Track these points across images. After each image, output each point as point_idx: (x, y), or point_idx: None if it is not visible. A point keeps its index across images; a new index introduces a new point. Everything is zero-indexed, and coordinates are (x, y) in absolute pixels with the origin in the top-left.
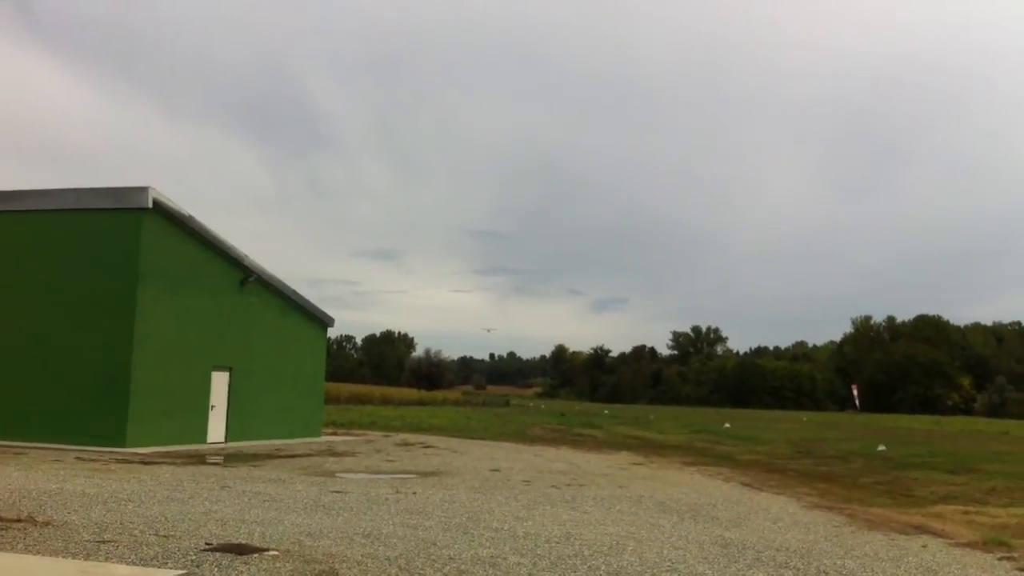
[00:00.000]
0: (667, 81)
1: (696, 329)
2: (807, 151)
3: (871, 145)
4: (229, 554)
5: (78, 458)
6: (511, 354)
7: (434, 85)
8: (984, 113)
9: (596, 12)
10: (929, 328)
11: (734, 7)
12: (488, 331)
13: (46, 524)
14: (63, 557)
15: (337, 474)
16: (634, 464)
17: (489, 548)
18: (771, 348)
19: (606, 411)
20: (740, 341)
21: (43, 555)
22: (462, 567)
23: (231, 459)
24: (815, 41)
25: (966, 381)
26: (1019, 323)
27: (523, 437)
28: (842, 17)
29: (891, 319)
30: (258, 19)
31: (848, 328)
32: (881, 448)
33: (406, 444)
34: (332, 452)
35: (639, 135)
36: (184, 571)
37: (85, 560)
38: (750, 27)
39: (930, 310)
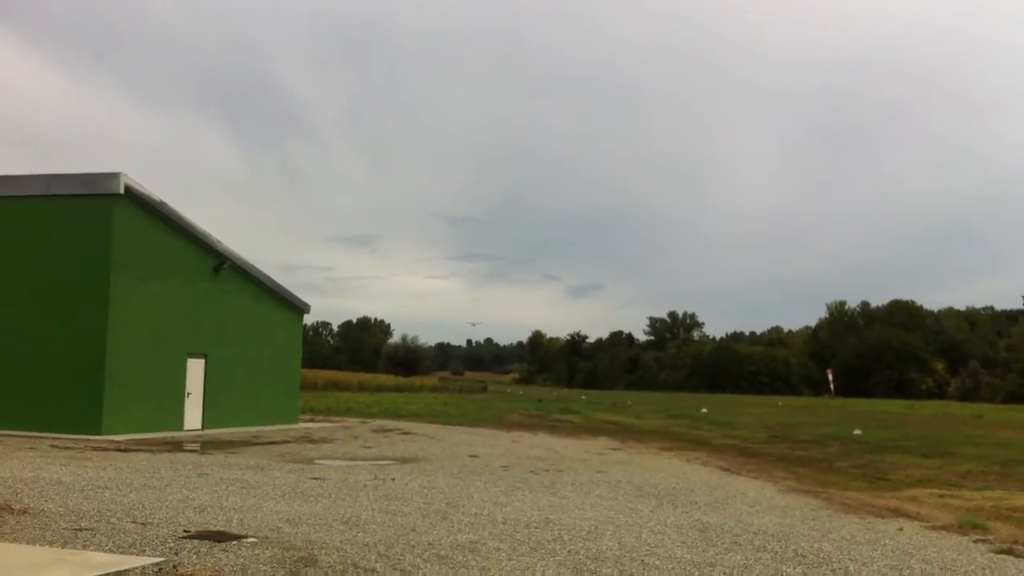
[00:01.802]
0: (642, 68)
1: (672, 315)
2: (781, 137)
3: (844, 131)
4: (207, 541)
5: (53, 446)
6: (488, 340)
7: (408, 70)
8: (956, 98)
9: None
10: (903, 313)
11: None
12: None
13: (23, 512)
14: (40, 545)
15: (315, 461)
16: (612, 449)
17: (468, 533)
18: (747, 333)
19: (583, 397)
20: (716, 326)
21: (20, 543)
22: (441, 553)
23: (208, 446)
24: (789, 28)
25: (940, 365)
26: (992, 308)
27: (501, 423)
28: (815, 4)
29: (865, 304)
30: (230, 4)
31: (823, 313)
32: (856, 432)
33: (384, 430)
34: (309, 439)
35: (614, 121)
36: (162, 558)
37: (63, 548)
38: (724, 14)
39: (904, 295)
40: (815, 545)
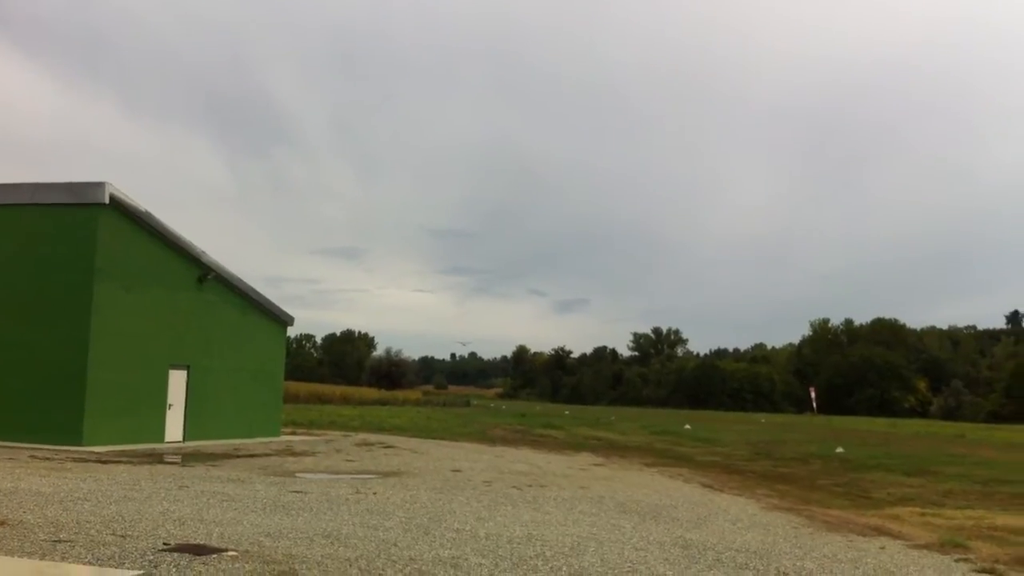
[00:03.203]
0: (633, 85)
1: (657, 331)
2: (768, 156)
3: (831, 150)
4: (187, 554)
5: (33, 456)
6: (472, 354)
7: (397, 83)
8: (942, 118)
9: (564, 13)
10: (886, 331)
11: (702, 13)
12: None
13: (1, 523)
14: (19, 557)
15: (297, 474)
16: (595, 465)
17: (450, 549)
18: (731, 350)
19: (567, 412)
20: (700, 343)
21: None
22: (423, 568)
23: (189, 458)
24: (779, 48)
25: (922, 384)
26: (974, 327)
27: (484, 437)
28: (807, 24)
29: (849, 322)
30: (220, 15)
31: (807, 331)
32: (839, 450)
33: (366, 444)
34: (291, 452)
35: (603, 137)
36: (142, 571)
37: (41, 560)
38: (717, 33)
39: (887, 313)
40: (797, 563)
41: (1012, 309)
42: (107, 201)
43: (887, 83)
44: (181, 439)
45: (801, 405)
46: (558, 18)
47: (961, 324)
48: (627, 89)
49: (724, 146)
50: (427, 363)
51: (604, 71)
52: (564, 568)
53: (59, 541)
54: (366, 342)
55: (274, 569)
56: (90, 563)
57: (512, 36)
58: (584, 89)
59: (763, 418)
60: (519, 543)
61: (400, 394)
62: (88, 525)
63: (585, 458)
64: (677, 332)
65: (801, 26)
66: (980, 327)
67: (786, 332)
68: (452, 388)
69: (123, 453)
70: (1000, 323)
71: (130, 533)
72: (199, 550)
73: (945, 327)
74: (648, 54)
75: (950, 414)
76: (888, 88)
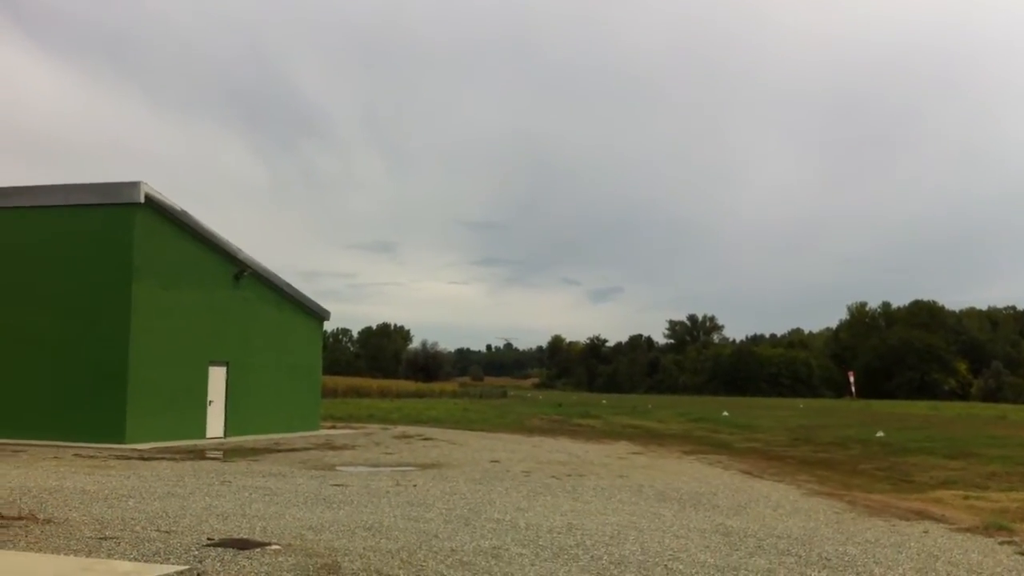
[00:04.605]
0: (659, 71)
1: (692, 318)
2: (799, 139)
3: (862, 131)
4: (231, 549)
5: (77, 455)
6: (508, 345)
7: (427, 76)
8: (974, 98)
9: (587, 2)
10: (924, 313)
11: None
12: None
13: (47, 522)
14: (65, 554)
15: (337, 467)
16: (633, 453)
17: (491, 539)
18: (767, 336)
19: (604, 401)
20: (736, 329)
21: (45, 552)
22: (464, 559)
23: (230, 454)
24: (804, 30)
25: (962, 366)
26: (1014, 307)
27: (521, 428)
28: (831, 5)
29: (886, 305)
30: (246, 10)
31: (844, 315)
32: (879, 434)
33: (405, 436)
34: (331, 446)
35: (632, 125)
36: (186, 566)
37: (87, 557)
38: (740, 17)
39: (925, 295)
40: (839, 548)
41: None
42: (142, 200)
43: (917, 62)
44: (222, 435)
45: (839, 389)
46: (578, 5)
47: (1000, 305)
48: (653, 75)
49: (753, 129)
50: (463, 355)
51: (629, 57)
52: (605, 557)
53: (104, 538)
54: (402, 335)
55: (317, 562)
56: (135, 559)
57: (533, 25)
58: (607, 76)
59: (801, 403)
60: (559, 533)
61: (437, 386)
62: (133, 522)
63: (623, 447)
64: (713, 319)
65: (825, 6)
66: (1020, 307)
67: (821, 316)
68: (488, 379)
69: (165, 450)
70: None
71: (174, 529)
72: (243, 544)
73: (984, 308)
74: (673, 38)
75: (991, 396)
76: (918, 68)
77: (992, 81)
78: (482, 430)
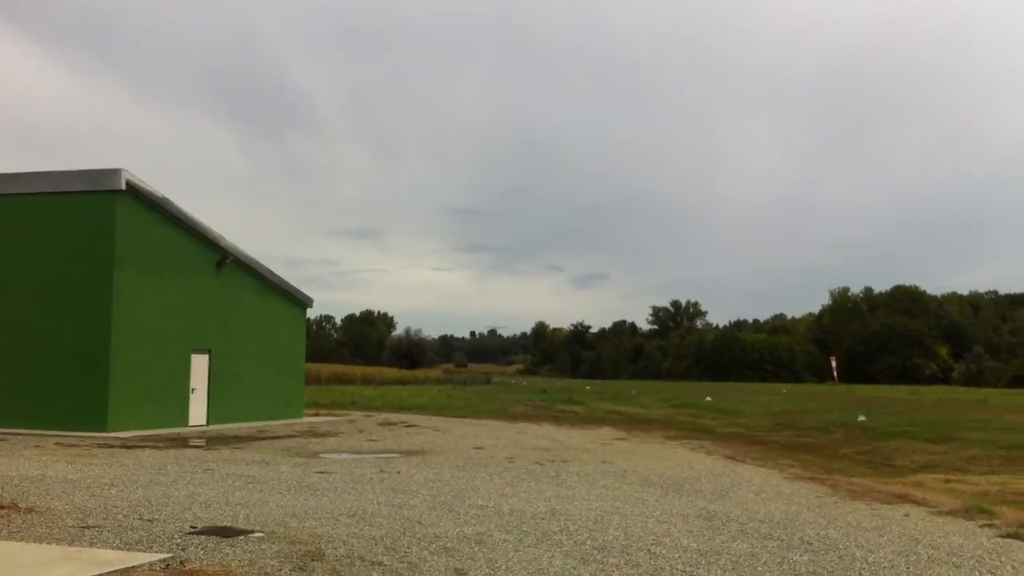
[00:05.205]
0: (644, 56)
1: (675, 303)
2: (784, 123)
3: (846, 116)
4: (214, 537)
5: (59, 443)
6: (492, 331)
7: (410, 62)
8: (961, 81)
9: None
10: (906, 298)
11: None
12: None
13: (29, 510)
14: (47, 543)
15: (320, 455)
16: (617, 439)
17: (475, 525)
18: (750, 321)
19: (587, 387)
20: (719, 315)
21: (27, 541)
22: (448, 545)
23: (213, 442)
24: (791, 13)
25: (943, 350)
26: (995, 292)
27: (505, 414)
28: None
29: (868, 290)
30: None
31: (826, 300)
32: (861, 418)
33: (388, 424)
34: (314, 433)
35: (617, 110)
36: (169, 555)
37: (69, 546)
38: (729, 1)
39: (907, 280)
40: (821, 532)
41: None
42: (124, 188)
43: (900, 45)
44: (205, 423)
45: (822, 374)
46: None
47: (982, 289)
48: (638, 59)
49: (739, 113)
50: (447, 342)
51: (616, 42)
52: (588, 542)
53: (87, 527)
54: (385, 322)
55: (300, 549)
56: (118, 548)
57: (522, 8)
58: (595, 61)
59: (784, 388)
60: (543, 518)
61: (421, 373)
62: (115, 510)
63: (607, 432)
64: (696, 304)
65: None
66: (1001, 292)
67: (805, 301)
68: (472, 366)
69: (148, 438)
70: (1021, 287)
71: (157, 517)
72: (226, 532)
73: (966, 292)
74: (659, 22)
75: (972, 380)
76: (902, 51)
77: (980, 65)
78: (466, 417)
